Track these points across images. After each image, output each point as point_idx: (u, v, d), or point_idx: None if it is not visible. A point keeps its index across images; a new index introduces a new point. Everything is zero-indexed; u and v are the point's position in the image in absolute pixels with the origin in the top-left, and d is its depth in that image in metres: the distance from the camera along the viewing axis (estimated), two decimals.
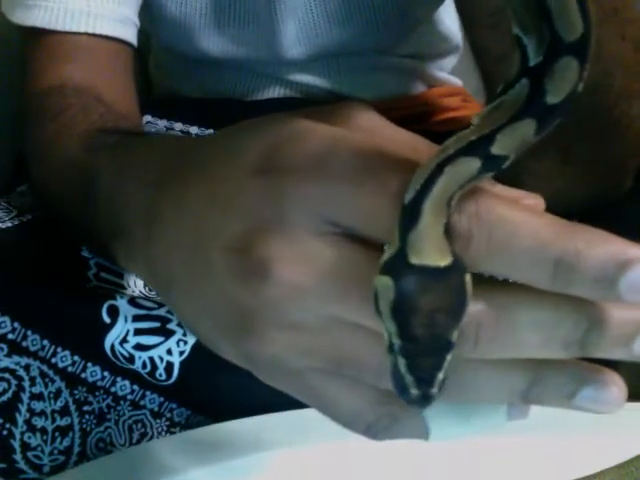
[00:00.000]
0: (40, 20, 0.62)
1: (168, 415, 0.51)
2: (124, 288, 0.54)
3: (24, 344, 0.49)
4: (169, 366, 0.50)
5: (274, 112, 0.32)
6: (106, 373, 0.50)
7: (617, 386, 0.28)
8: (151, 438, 0.51)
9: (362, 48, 0.79)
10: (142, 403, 0.51)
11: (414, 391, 0.26)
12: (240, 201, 0.30)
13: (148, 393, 0.51)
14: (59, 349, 0.49)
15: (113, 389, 0.50)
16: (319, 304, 0.28)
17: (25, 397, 0.49)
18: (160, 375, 0.50)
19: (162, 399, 0.51)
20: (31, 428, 0.49)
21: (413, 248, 0.25)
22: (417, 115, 0.82)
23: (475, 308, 0.27)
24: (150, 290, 0.54)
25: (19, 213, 0.58)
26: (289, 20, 0.75)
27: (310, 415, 0.32)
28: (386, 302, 0.26)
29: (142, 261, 0.36)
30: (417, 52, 0.84)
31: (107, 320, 0.49)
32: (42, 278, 0.51)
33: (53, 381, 0.49)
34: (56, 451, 0.49)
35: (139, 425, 0.51)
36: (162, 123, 0.80)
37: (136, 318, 0.50)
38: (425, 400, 0.26)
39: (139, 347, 0.50)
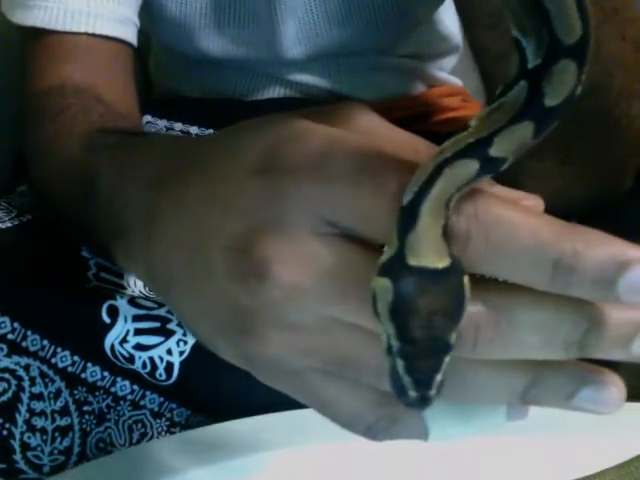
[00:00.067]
0: (40, 20, 0.62)
1: (168, 415, 0.51)
2: (124, 288, 0.54)
3: (24, 344, 0.49)
4: (169, 366, 0.50)
5: (274, 112, 0.32)
6: (106, 373, 0.50)
7: (616, 387, 0.28)
8: (151, 438, 0.51)
9: (362, 48, 0.79)
10: (142, 403, 0.51)
11: (412, 393, 0.26)
12: (240, 201, 0.30)
13: (148, 393, 0.51)
14: (59, 349, 0.49)
15: (113, 389, 0.50)
16: (318, 305, 0.28)
17: (25, 397, 0.49)
18: (160, 375, 0.50)
19: (162, 399, 0.51)
20: (31, 428, 0.49)
21: (411, 250, 0.25)
22: (417, 115, 0.82)
23: (474, 309, 0.27)
24: (150, 290, 0.54)
25: (19, 213, 0.58)
26: (289, 20, 0.75)
27: (310, 415, 0.32)
28: (384, 304, 0.26)
29: (142, 261, 0.36)
30: (417, 52, 0.84)
31: (107, 320, 0.49)
32: (42, 278, 0.51)
33: (53, 381, 0.49)
34: (56, 451, 0.49)
35: (139, 425, 0.51)
36: (162, 123, 0.80)
37: (136, 318, 0.50)
38: (423, 402, 0.26)
39: (139, 347, 0.50)
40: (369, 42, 0.78)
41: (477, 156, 0.26)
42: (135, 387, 0.51)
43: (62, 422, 0.49)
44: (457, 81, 0.89)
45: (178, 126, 0.80)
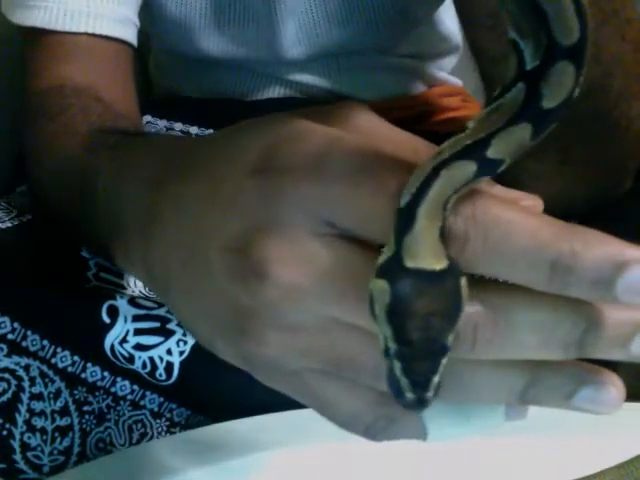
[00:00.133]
0: (40, 20, 0.62)
1: (168, 415, 0.51)
2: (124, 288, 0.54)
3: (24, 344, 0.49)
4: (169, 366, 0.50)
5: (274, 112, 0.32)
6: (106, 373, 0.50)
7: (615, 386, 0.28)
8: (151, 438, 0.51)
9: (362, 48, 0.79)
10: (142, 403, 0.51)
11: (409, 395, 0.26)
12: (239, 201, 0.30)
13: (148, 393, 0.51)
14: (59, 349, 0.49)
15: (113, 389, 0.50)
16: (317, 305, 0.28)
17: (25, 397, 0.49)
18: (160, 375, 0.50)
19: (162, 399, 0.51)
20: (31, 428, 0.49)
21: (408, 252, 0.25)
22: (417, 115, 0.82)
23: (473, 309, 0.27)
24: (150, 290, 0.54)
25: (19, 213, 0.58)
26: (289, 20, 0.75)
27: (309, 415, 0.32)
28: (381, 306, 0.26)
29: (141, 261, 0.36)
30: (417, 52, 0.84)
31: (107, 320, 0.49)
32: (42, 278, 0.51)
33: (53, 381, 0.49)
34: (56, 451, 0.49)
35: (139, 425, 0.51)
36: (162, 123, 0.80)
37: (136, 318, 0.50)
38: (420, 404, 0.26)
39: (139, 347, 0.50)
40: (369, 42, 0.78)
41: (474, 158, 0.26)
42: (135, 387, 0.51)
43: (62, 422, 0.49)
44: (457, 81, 0.89)
45: (178, 126, 0.80)
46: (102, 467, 0.46)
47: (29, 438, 0.49)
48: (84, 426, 0.50)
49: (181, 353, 0.50)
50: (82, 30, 0.62)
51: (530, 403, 0.29)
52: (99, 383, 0.50)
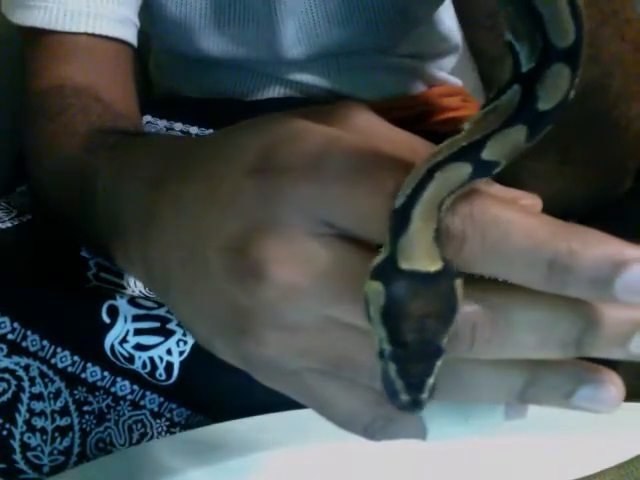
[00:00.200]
0: (40, 20, 0.62)
1: (168, 415, 0.51)
2: (124, 288, 0.54)
3: (24, 344, 0.49)
4: (169, 366, 0.50)
5: (274, 112, 0.32)
6: (106, 373, 0.50)
7: (615, 385, 0.28)
8: (151, 438, 0.51)
9: (362, 48, 0.79)
10: (142, 403, 0.51)
11: (404, 397, 0.26)
12: (237, 201, 0.30)
13: (148, 393, 0.51)
14: (59, 349, 0.49)
15: (113, 389, 0.50)
16: (315, 305, 0.28)
17: (25, 397, 0.49)
18: (160, 375, 0.50)
19: (162, 399, 0.51)
20: (31, 428, 0.49)
21: (403, 253, 0.26)
22: (417, 115, 0.82)
23: (471, 309, 0.27)
24: (150, 290, 0.54)
25: (19, 213, 0.58)
26: (289, 20, 0.75)
27: (309, 415, 0.32)
28: (376, 307, 0.26)
29: (140, 261, 0.36)
30: (417, 52, 0.84)
31: (107, 320, 0.49)
32: (42, 278, 0.51)
33: (53, 381, 0.49)
34: (56, 451, 0.49)
35: (139, 425, 0.51)
36: (162, 123, 0.80)
37: (136, 318, 0.50)
38: (415, 405, 0.26)
39: (139, 347, 0.50)
40: (369, 42, 0.78)
41: (470, 159, 0.26)
42: (135, 387, 0.51)
43: (62, 422, 0.49)
44: (457, 81, 0.89)
45: (178, 126, 0.80)
46: (102, 467, 0.46)
47: (29, 438, 0.49)
48: (84, 426, 0.50)
49: (181, 353, 0.50)
50: (82, 30, 0.62)
51: (529, 402, 0.29)
52: (99, 383, 0.50)
